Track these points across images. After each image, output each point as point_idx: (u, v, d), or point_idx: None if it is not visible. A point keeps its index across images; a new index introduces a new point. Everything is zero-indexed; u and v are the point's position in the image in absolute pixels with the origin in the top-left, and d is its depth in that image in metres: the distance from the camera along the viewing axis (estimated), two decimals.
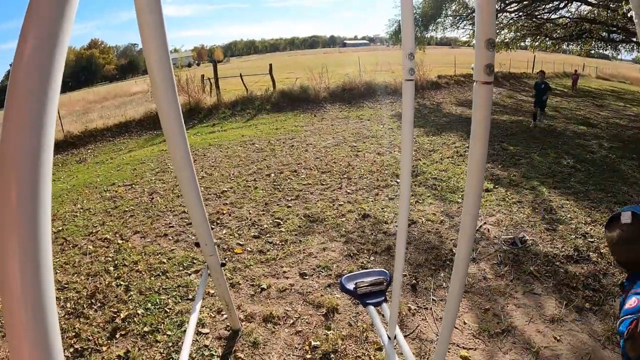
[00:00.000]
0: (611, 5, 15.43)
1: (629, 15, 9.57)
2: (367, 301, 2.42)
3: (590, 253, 4.55)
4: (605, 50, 22.80)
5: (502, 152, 8.82)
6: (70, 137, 14.07)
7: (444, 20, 20.67)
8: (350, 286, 2.48)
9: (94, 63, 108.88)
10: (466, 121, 12.55)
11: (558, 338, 3.26)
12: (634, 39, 18.33)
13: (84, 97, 35.88)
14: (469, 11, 19.83)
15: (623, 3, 10.31)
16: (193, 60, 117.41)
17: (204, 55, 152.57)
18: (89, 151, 12.97)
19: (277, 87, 17.51)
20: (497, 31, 20.58)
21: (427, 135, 10.53)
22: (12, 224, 0.59)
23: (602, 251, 4.57)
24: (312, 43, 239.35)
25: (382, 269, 2.63)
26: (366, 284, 2.45)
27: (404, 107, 1.45)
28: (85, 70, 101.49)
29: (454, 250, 4.62)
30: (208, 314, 3.72)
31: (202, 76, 18.48)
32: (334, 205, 6.08)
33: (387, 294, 2.55)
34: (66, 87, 74.79)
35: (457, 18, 20.44)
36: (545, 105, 12.13)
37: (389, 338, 2.22)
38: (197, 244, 2.63)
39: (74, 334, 3.56)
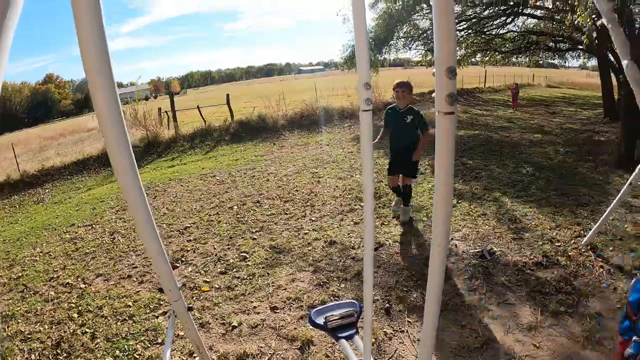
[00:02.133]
0: (556, 17, 16.00)
1: (576, 23, 9.93)
2: (339, 335, 2.35)
3: (559, 257, 4.61)
4: (553, 59, 23.66)
5: (462, 167, 8.92)
6: (26, 177, 13.78)
7: (397, 42, 21.04)
8: (320, 320, 2.41)
9: (50, 98, 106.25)
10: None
11: (537, 345, 3.26)
12: (580, 47, 19.07)
13: (40, 134, 35.36)
14: (420, 32, 20.27)
15: (569, 14, 10.68)
16: (150, 93, 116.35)
17: (161, 88, 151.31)
18: (47, 191, 12.64)
19: (235, 117, 17.50)
20: None
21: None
22: None
23: (570, 254, 4.65)
24: (268, 71, 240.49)
25: (352, 300, 2.56)
26: (336, 317, 2.38)
27: (363, 139, 1.40)
28: (41, 106, 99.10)
29: (424, 269, 4.60)
30: (179, 357, 3.59)
31: (159, 109, 18.31)
32: (299, 234, 5.99)
33: (359, 324, 2.47)
34: (22, 124, 73.03)
35: (409, 39, 20.84)
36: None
37: None
38: (161, 290, 2.52)
39: None
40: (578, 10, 9.12)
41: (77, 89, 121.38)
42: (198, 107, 18.44)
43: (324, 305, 2.56)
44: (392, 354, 3.35)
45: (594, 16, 9.39)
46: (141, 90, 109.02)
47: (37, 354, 3.88)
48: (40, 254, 6.55)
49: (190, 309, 2.72)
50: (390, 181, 6.20)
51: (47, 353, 3.87)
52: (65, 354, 3.83)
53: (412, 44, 21.12)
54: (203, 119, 17.60)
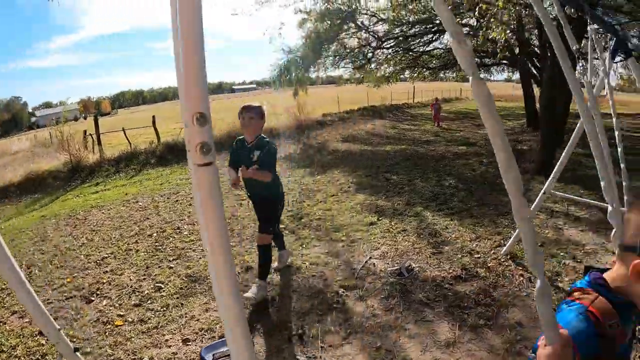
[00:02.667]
0: (477, 34, 16.69)
1: (490, 38, 10.46)
2: None
3: (478, 269, 4.73)
4: (480, 73, 24.65)
5: (386, 183, 9.06)
6: None
7: (325, 61, 21.28)
8: (209, 357, 2.40)
9: None
10: (350, 157, 12.88)
11: None
12: (504, 61, 20.02)
13: None
14: (347, 51, 20.59)
15: (481, 32, 11.19)
16: (80, 113, 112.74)
17: (91, 108, 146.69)
18: None
19: (162, 139, 17.11)
20: (377, 66, 21.71)
21: (311, 176, 10.58)
22: None
23: (489, 265, 4.77)
24: None
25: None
26: (225, 354, 2.37)
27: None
28: None
29: (340, 292, 4.61)
30: None
31: (85, 132, 17.72)
32: None
33: None
34: None
35: (337, 57, 21.13)
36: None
37: None
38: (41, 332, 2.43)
39: None
40: (494, 26, 9.50)
41: (3, 108, 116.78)
42: (123, 130, 17.92)
43: (215, 342, 2.55)
44: None
45: (508, 31, 9.82)
46: (70, 110, 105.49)
47: None
48: None
49: (77, 349, 2.61)
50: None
51: None
52: None
53: (341, 62, 21.46)
54: (129, 141, 17.12)
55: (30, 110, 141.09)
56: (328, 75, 25.39)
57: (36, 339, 4.50)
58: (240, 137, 4.70)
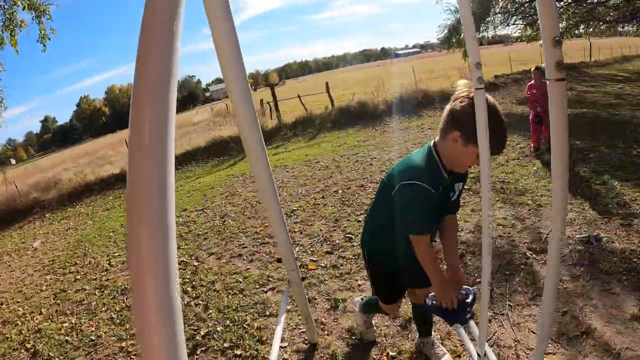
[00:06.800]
0: None
1: None
2: (453, 319, 2.37)
3: None
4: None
5: (569, 148, 8.53)
6: None
7: (493, 19, 20.29)
8: (429, 301, 2.45)
9: None
10: (528, 120, 12.28)
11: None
12: None
13: None
14: (517, 5, 19.33)
15: None
16: (250, 85, 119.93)
17: (260, 80, 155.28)
18: None
19: (335, 104, 17.69)
20: None
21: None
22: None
23: None
24: (364, 57, 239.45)
25: (466, 286, 2.51)
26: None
27: (479, 119, 1.51)
28: None
29: (527, 253, 4.57)
30: (285, 328, 3.85)
31: (261, 100, 18.92)
32: None
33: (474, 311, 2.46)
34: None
35: (506, 15, 20.02)
36: None
37: (479, 356, 2.23)
38: (279, 260, 2.78)
39: None
40: None
41: (179, 87, 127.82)
42: (299, 96, 18.86)
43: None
44: (491, 335, 3.41)
45: None
46: None
47: None
48: None
49: (303, 279, 2.95)
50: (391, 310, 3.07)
51: None
52: None
53: (510, 19, 20.19)
54: (304, 107, 17.99)
55: (204, 87, 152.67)
56: (495, 35, 23.99)
57: (233, 276, 5.13)
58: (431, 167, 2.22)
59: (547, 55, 1.19)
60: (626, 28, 22.45)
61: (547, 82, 1.22)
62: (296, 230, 6.23)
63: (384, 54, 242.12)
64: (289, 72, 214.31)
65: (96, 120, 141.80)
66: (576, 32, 21.72)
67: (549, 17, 1.15)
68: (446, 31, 20.73)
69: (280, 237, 2.71)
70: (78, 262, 6.84)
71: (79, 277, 6.26)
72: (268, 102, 19.02)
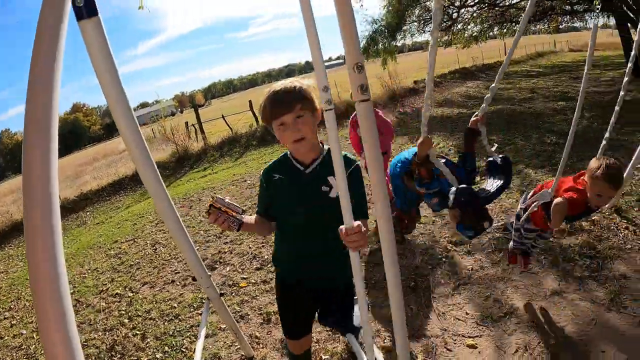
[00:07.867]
0: None
1: None
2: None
3: (583, 223, 4.61)
4: (573, 22, 22.88)
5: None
6: (67, 203, 14.20)
7: (410, 27, 20.93)
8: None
9: (79, 126, 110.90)
10: (447, 121, 12.73)
11: (561, 310, 3.38)
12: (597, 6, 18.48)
13: (73, 162, 36.26)
14: (431, 13, 19.89)
15: None
16: (175, 108, 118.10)
17: (186, 102, 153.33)
18: (88, 213, 13.13)
19: (260, 122, 17.68)
20: (463, 26, 20.98)
21: (411, 142, 10.58)
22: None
23: (594, 218, 4.63)
24: (288, 72, 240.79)
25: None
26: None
27: (331, 137, 1.36)
28: (71, 135, 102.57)
29: (448, 247, 4.77)
30: (222, 346, 3.86)
31: (186, 123, 18.72)
32: None
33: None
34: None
35: (422, 22, 20.71)
36: None
37: None
38: (194, 279, 2.77)
39: None
40: None
41: (104, 114, 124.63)
42: (223, 117, 18.77)
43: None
44: (417, 328, 3.54)
45: None
46: (166, 107, 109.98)
47: (93, 358, 4.23)
48: (89, 271, 6.96)
49: (222, 294, 2.97)
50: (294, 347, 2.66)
51: (102, 356, 4.22)
52: (119, 355, 4.18)
53: (426, 27, 20.84)
54: (229, 127, 17.91)
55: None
56: (414, 42, 24.66)
57: (168, 303, 5.05)
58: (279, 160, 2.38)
59: (351, 80, 1.30)
60: (538, 26, 23.60)
61: (355, 103, 1.33)
62: (226, 250, 6.18)
63: (308, 67, 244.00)
64: (214, 91, 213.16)
65: (20, 154, 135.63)
66: (490, 34, 22.66)
67: (351, 45, 1.26)
68: (364, 42, 21.12)
69: (188, 257, 2.73)
70: (12, 306, 6.55)
71: (14, 322, 6.00)
72: (193, 125, 18.82)
